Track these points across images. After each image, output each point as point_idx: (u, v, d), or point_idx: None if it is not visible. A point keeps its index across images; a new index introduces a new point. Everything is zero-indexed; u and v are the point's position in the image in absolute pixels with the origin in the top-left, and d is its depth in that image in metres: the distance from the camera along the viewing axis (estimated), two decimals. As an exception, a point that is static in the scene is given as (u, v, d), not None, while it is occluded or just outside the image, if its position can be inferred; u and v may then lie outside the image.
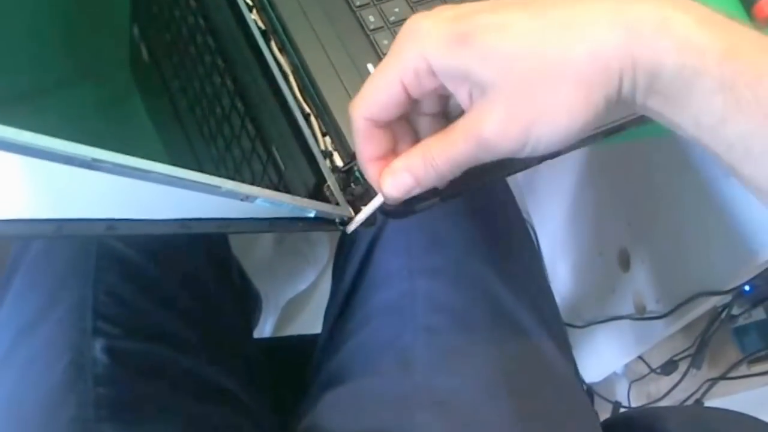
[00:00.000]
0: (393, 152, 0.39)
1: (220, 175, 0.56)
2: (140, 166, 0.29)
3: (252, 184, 0.51)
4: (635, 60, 0.32)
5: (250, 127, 0.50)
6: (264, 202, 0.35)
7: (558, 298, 1.17)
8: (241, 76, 0.50)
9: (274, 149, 0.48)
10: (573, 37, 0.32)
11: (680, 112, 0.33)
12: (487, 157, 0.36)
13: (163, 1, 0.60)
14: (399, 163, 0.38)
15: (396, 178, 0.38)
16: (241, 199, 0.34)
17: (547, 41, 0.33)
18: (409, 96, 0.36)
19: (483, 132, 0.34)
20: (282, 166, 0.48)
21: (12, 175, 0.28)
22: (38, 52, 0.61)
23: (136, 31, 0.67)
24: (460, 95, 0.35)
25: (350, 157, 0.44)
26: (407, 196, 0.39)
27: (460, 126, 0.36)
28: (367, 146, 0.38)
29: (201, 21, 0.53)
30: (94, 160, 0.27)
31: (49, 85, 0.61)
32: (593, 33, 0.32)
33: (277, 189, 0.48)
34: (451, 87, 0.35)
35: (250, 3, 0.50)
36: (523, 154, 0.35)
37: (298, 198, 0.38)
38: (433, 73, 0.35)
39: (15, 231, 0.31)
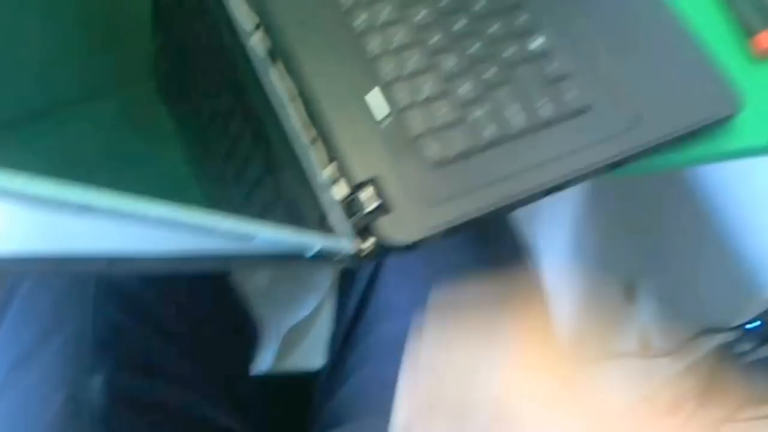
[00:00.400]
0: None
1: (234, 198, 0.56)
2: (135, 209, 0.28)
3: (263, 208, 0.51)
4: None
5: (259, 150, 0.50)
6: (265, 238, 0.35)
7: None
8: (249, 98, 0.50)
9: (282, 175, 0.48)
10: None
11: None
12: None
13: (179, 15, 0.60)
14: None
15: None
16: (240, 238, 0.34)
17: None
18: None
19: None
20: (291, 194, 0.48)
21: (9, 209, 0.28)
22: (61, 66, 0.61)
23: (158, 43, 0.68)
24: None
25: (353, 187, 0.44)
26: None
27: None
28: None
29: (213, 37, 0.53)
30: (87, 203, 0.27)
31: (73, 98, 0.62)
32: None
33: (289, 215, 0.48)
34: None
35: (255, 23, 0.50)
36: None
37: (298, 233, 0.37)
38: None
39: (13, 267, 0.31)
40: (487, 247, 0.62)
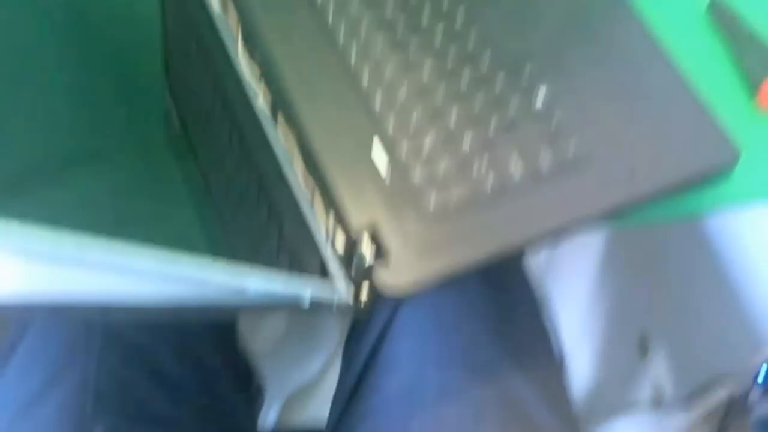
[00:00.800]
0: None
1: (242, 250, 0.57)
2: (128, 260, 0.29)
3: (269, 256, 0.52)
4: None
5: (264, 202, 0.51)
6: (259, 289, 0.35)
7: (577, 383, 1.15)
8: (254, 150, 0.51)
9: (285, 227, 0.49)
10: None
11: None
12: None
13: (186, 70, 0.62)
14: None
15: None
16: (235, 288, 0.35)
17: None
18: None
19: None
20: (293, 245, 0.48)
21: (5, 255, 0.29)
22: (73, 123, 0.63)
23: (168, 98, 0.70)
24: None
25: (352, 236, 0.44)
26: None
27: None
28: None
29: (217, 92, 0.55)
30: (82, 253, 0.27)
31: (85, 155, 0.63)
32: None
33: (293, 263, 0.48)
34: None
35: (257, 77, 0.52)
36: None
37: (292, 283, 0.38)
38: None
39: (13, 312, 0.32)
40: (501, 298, 0.62)
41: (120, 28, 0.64)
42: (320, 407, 1.14)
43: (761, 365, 0.71)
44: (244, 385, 0.76)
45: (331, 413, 0.66)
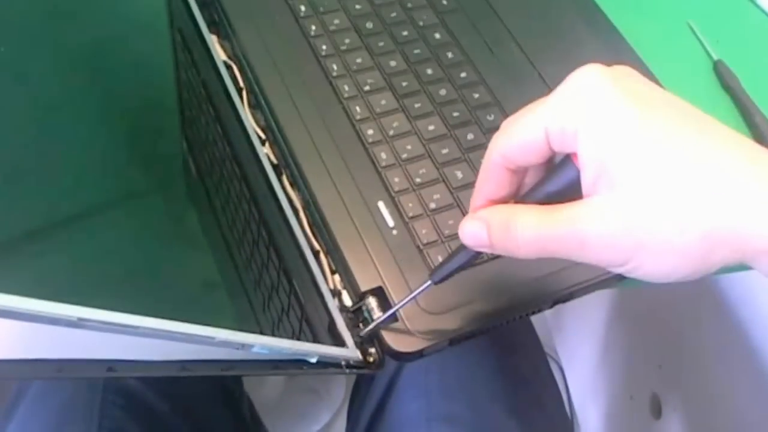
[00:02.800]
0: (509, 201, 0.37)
1: (256, 301, 0.58)
2: (127, 323, 0.30)
3: (281, 311, 0.53)
4: None
5: (274, 256, 0.52)
6: (262, 349, 0.36)
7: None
8: (263, 206, 0.52)
9: (295, 282, 0.50)
10: (734, 204, 0.30)
11: None
12: (575, 257, 0.34)
13: (198, 122, 0.64)
14: (487, 213, 0.36)
15: (473, 227, 0.36)
16: (237, 348, 0.35)
17: (703, 190, 0.31)
18: (549, 147, 0.34)
19: (591, 233, 0.32)
20: (302, 300, 0.49)
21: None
22: (92, 170, 0.64)
23: (185, 147, 0.71)
24: (587, 175, 0.33)
25: (359, 297, 0.45)
26: (476, 249, 0.37)
27: (567, 212, 0.33)
28: (485, 183, 0.37)
29: (227, 148, 0.56)
30: (80, 319, 0.28)
31: (106, 201, 0.65)
32: (752, 214, 0.30)
33: (302, 319, 0.49)
34: (582, 162, 0.33)
35: (263, 137, 0.53)
36: (615, 270, 0.34)
37: (297, 343, 0.38)
38: (576, 138, 0.33)
39: (15, 372, 0.32)
40: (509, 360, 0.62)
41: (137, 80, 0.66)
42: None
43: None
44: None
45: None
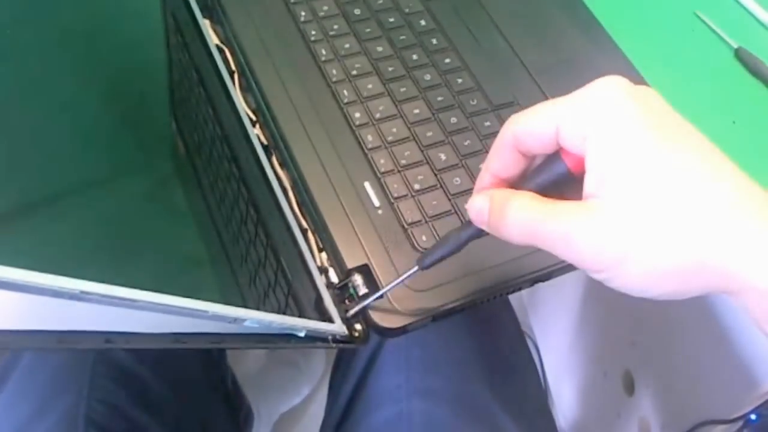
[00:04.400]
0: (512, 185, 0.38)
1: (242, 276, 0.58)
2: (127, 296, 0.31)
3: (267, 286, 0.54)
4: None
5: (261, 234, 0.53)
6: (253, 323, 0.37)
7: (563, 420, 1.16)
8: (252, 185, 0.53)
9: (282, 259, 0.50)
10: (723, 239, 0.31)
11: None
12: (560, 254, 0.34)
13: (189, 103, 0.64)
14: (492, 192, 0.37)
15: (479, 202, 0.37)
16: (229, 322, 0.36)
17: (697, 220, 0.31)
18: (557, 142, 0.35)
19: (580, 235, 0.33)
20: (290, 276, 0.50)
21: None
22: (83, 147, 0.65)
23: (174, 127, 0.71)
24: (589, 180, 0.33)
25: (345, 274, 0.46)
26: (476, 224, 0.38)
27: (561, 208, 0.34)
28: (494, 160, 0.38)
29: (218, 129, 0.57)
30: (82, 292, 0.29)
31: (96, 178, 0.65)
32: (739, 251, 0.31)
33: (289, 295, 0.50)
34: (588, 166, 0.33)
35: (254, 118, 0.54)
36: (595, 276, 0.34)
37: (287, 318, 0.39)
38: (585, 142, 0.33)
39: (15, 342, 0.33)
40: (487, 337, 0.64)
41: (126, 57, 0.66)
42: (308, 430, 1.14)
43: (749, 406, 0.72)
44: (233, 411, 0.77)
45: (319, 442, 0.67)
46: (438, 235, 0.48)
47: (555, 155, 0.35)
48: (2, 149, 0.55)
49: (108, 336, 0.35)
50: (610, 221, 0.32)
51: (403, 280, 0.43)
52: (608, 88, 0.33)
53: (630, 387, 0.94)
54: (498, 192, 0.37)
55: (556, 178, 0.35)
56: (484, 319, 0.64)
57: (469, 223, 0.39)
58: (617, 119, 0.32)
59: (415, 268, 0.41)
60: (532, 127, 0.35)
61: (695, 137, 0.33)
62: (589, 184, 0.33)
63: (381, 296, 0.45)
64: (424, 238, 0.48)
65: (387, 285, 0.44)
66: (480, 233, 0.39)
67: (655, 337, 0.88)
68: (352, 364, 0.64)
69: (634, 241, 0.32)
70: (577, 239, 0.33)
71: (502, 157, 0.37)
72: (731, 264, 0.31)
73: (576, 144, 0.34)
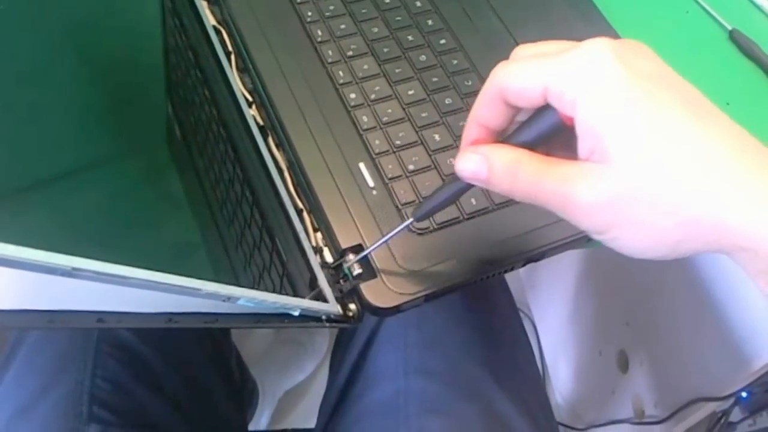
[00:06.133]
0: (498, 134, 0.37)
1: (237, 258, 0.58)
2: (119, 273, 0.30)
3: (262, 267, 0.53)
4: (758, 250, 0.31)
5: (257, 215, 0.52)
6: (247, 301, 0.36)
7: (559, 397, 1.16)
8: (247, 167, 0.52)
9: (277, 240, 0.50)
10: (715, 199, 0.30)
11: None
12: (559, 213, 0.34)
13: (185, 85, 0.63)
14: (489, 150, 0.36)
15: (474, 162, 0.36)
16: (223, 300, 0.35)
17: (689, 180, 0.31)
18: (544, 100, 0.34)
19: (576, 195, 0.33)
20: (285, 257, 0.49)
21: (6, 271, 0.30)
22: (80, 130, 0.64)
23: (170, 110, 0.71)
24: (583, 144, 0.33)
25: (339, 253, 0.46)
26: (471, 182, 0.37)
27: (560, 169, 0.34)
28: (481, 109, 0.37)
29: (214, 110, 0.56)
30: (74, 269, 0.28)
31: (92, 161, 0.65)
32: (731, 210, 0.30)
33: (284, 275, 0.49)
34: (579, 131, 0.33)
35: (250, 99, 0.53)
36: (594, 237, 0.34)
37: (281, 297, 0.38)
38: (575, 107, 0.33)
39: (7, 321, 0.32)
40: (484, 316, 0.63)
41: (126, 44, 0.65)
42: (310, 409, 1.14)
43: (741, 383, 0.71)
44: (237, 391, 0.77)
45: (319, 418, 0.67)
46: (433, 217, 0.47)
47: (544, 109, 0.35)
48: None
49: (100, 315, 0.34)
50: (605, 185, 0.32)
51: (397, 233, 0.42)
52: (595, 49, 0.33)
53: (624, 365, 0.94)
54: (503, 154, 0.36)
55: (549, 131, 0.35)
56: (481, 298, 0.64)
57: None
58: (604, 85, 0.32)
59: (410, 219, 0.41)
60: (519, 85, 0.34)
61: (687, 92, 0.33)
62: (582, 150, 0.33)
63: (375, 275, 0.44)
64: (419, 218, 0.47)
65: (380, 264, 0.43)
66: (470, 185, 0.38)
67: (649, 318, 0.88)
68: (352, 342, 0.64)
69: (627, 205, 0.31)
70: (574, 202, 0.33)
71: (488, 106, 0.36)
72: (722, 223, 0.30)
73: (565, 106, 0.33)
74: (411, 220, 0.41)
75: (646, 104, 0.31)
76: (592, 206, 0.32)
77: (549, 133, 0.35)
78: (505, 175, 0.35)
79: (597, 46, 0.33)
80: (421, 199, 0.47)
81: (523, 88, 0.34)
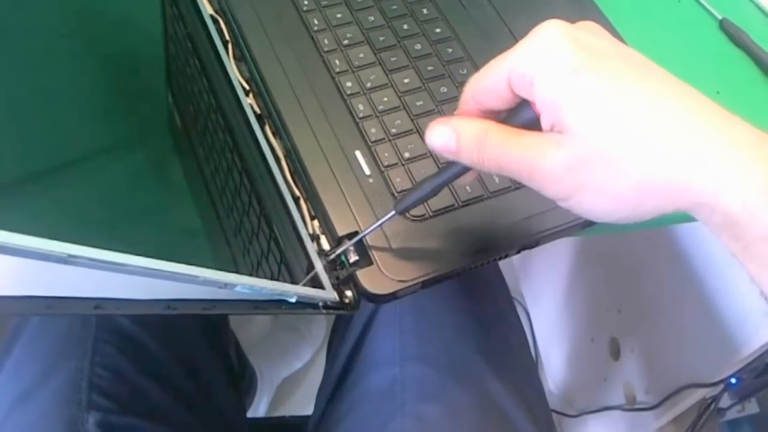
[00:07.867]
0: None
1: (236, 246, 0.57)
2: (115, 260, 0.29)
3: (261, 255, 0.52)
4: (716, 206, 0.31)
5: (255, 203, 0.52)
6: (244, 288, 0.35)
7: (551, 384, 1.16)
8: (245, 155, 0.52)
9: (275, 227, 0.49)
10: (669, 157, 0.31)
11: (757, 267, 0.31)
12: (525, 182, 0.35)
13: (184, 74, 0.63)
14: (457, 122, 0.37)
15: (444, 134, 0.37)
16: (220, 287, 0.35)
17: (642, 141, 0.31)
18: (512, 93, 0.35)
19: (541, 164, 0.34)
20: (282, 244, 0.49)
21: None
22: (82, 119, 0.63)
23: (170, 99, 0.70)
24: (544, 119, 0.34)
25: (336, 241, 0.45)
26: (441, 154, 0.37)
27: (525, 139, 0.35)
28: (461, 121, 0.37)
29: (212, 99, 0.55)
30: (70, 256, 0.28)
31: (94, 150, 0.64)
32: (685, 167, 0.31)
33: (282, 262, 0.49)
34: (539, 107, 0.34)
35: (247, 88, 0.52)
36: (560, 204, 0.35)
37: (278, 284, 0.38)
38: (533, 85, 0.34)
39: (5, 307, 0.32)
40: (478, 303, 0.63)
41: (125, 34, 0.65)
42: (308, 396, 1.14)
43: (731, 370, 0.71)
44: (236, 378, 0.76)
45: (316, 404, 0.67)
46: (428, 202, 0.47)
47: (522, 104, 0.35)
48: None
49: (98, 302, 0.34)
50: (565, 153, 0.33)
51: (381, 224, 0.43)
52: (546, 29, 0.34)
53: (616, 352, 0.94)
54: (470, 125, 0.36)
55: (526, 123, 0.35)
56: (475, 286, 0.63)
57: (446, 167, 0.39)
58: (556, 57, 0.33)
59: (392, 212, 0.41)
60: (485, 85, 0.36)
61: (636, 62, 0.34)
62: (545, 124, 0.34)
63: (371, 262, 0.44)
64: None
65: (376, 251, 0.43)
66: (455, 177, 0.39)
67: (640, 306, 0.88)
68: (349, 330, 0.64)
69: (586, 170, 0.32)
70: (538, 170, 0.34)
71: (466, 116, 0.37)
72: (678, 181, 0.31)
73: (526, 90, 0.34)
74: (393, 212, 0.41)
75: (595, 73, 0.32)
76: (555, 172, 0.33)
77: (527, 125, 0.35)
78: (474, 146, 0.36)
79: (548, 28, 0.34)
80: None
81: (491, 83, 0.35)
